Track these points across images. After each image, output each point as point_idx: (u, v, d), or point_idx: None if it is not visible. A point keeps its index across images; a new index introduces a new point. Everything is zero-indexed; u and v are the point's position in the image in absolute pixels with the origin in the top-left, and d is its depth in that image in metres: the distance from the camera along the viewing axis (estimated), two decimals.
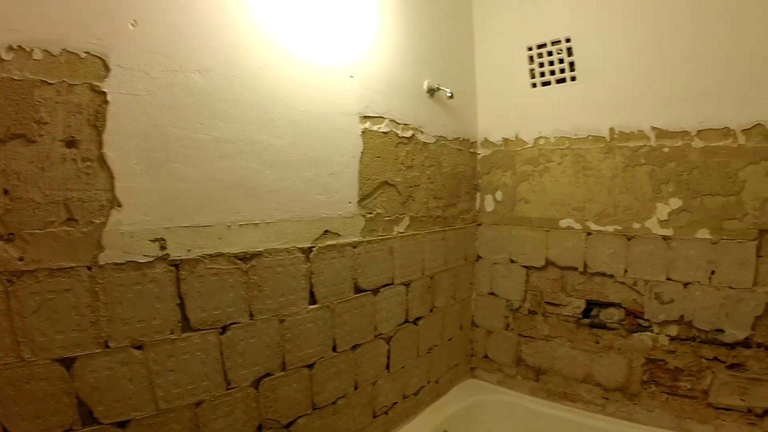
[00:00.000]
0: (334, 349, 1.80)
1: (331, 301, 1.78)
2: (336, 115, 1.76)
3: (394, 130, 2.09)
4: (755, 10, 2.12)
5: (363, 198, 1.92)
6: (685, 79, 2.19)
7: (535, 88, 2.45)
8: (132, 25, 1.16)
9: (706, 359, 2.22)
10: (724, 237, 2.13)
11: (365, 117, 1.94)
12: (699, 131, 2.15)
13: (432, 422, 2.22)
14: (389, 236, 2.06)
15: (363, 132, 1.92)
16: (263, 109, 1.49)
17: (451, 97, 2.28)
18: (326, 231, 1.78)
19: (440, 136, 2.39)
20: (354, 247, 1.88)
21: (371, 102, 1.97)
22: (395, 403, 2.15)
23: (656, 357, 2.29)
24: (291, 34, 1.53)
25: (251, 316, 1.49)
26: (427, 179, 2.30)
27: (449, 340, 2.53)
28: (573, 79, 2.35)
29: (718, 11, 2.16)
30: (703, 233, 2.14)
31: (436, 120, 2.37)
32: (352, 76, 1.87)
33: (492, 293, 2.59)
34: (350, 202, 1.88)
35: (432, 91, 2.28)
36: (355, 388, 1.90)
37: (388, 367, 2.08)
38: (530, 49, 2.38)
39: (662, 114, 2.20)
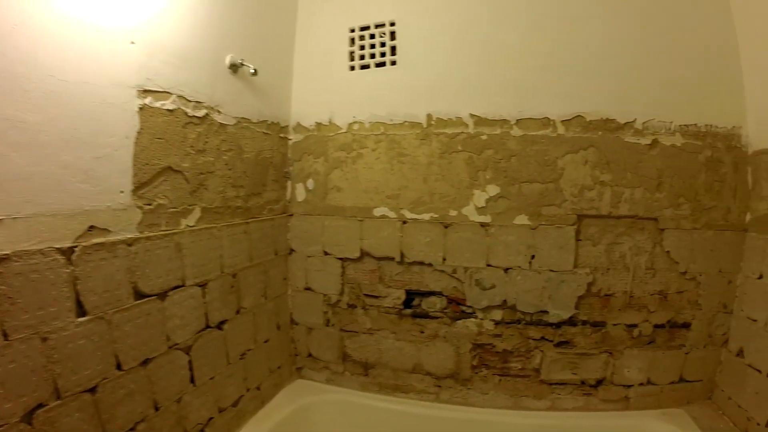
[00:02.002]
0: (118, 367, 1.67)
1: (105, 311, 1.64)
2: (108, 87, 1.59)
3: (183, 108, 1.89)
4: (581, 4, 2.29)
5: (139, 186, 1.74)
6: (506, 69, 2.30)
7: (353, 72, 2.46)
8: None
9: (534, 339, 2.42)
10: (543, 223, 2.31)
11: (146, 91, 1.76)
12: (518, 120, 2.29)
13: None
14: (175, 231, 1.91)
15: (141, 108, 1.73)
16: (14, 76, 1.28)
17: (255, 73, 2.14)
18: (92, 227, 1.60)
19: (243, 118, 2.26)
20: (129, 245, 1.72)
21: (156, 74, 1.79)
22: (211, 418, 2.10)
23: (483, 342, 2.44)
24: None
25: (5, 336, 1.31)
26: (224, 165, 2.17)
27: (265, 341, 2.45)
28: (393, 63, 2.40)
29: (543, 4, 2.29)
30: (522, 219, 2.31)
31: (239, 99, 2.23)
32: (133, 42, 1.67)
33: (308, 288, 2.57)
34: (122, 192, 1.70)
35: (235, 67, 2.12)
36: (156, 408, 1.78)
37: (193, 381, 1.98)
38: (353, 30, 2.46)
39: (482, 102, 2.31)
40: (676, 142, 2.40)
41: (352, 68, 2.38)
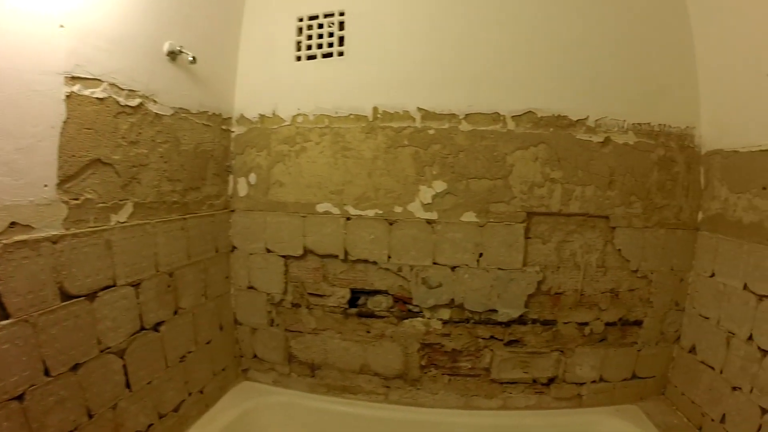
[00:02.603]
0: (46, 373, 1.59)
1: (29, 314, 1.56)
2: (34, 74, 1.49)
3: (115, 96, 1.81)
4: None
5: (65, 180, 1.66)
6: (457, 63, 2.27)
7: (299, 62, 2.41)
8: None
9: (483, 339, 2.41)
10: (492, 220, 2.29)
11: (74, 78, 1.69)
12: (468, 115, 2.26)
13: None
14: (105, 227, 1.85)
15: (68, 96, 1.65)
16: None
17: (193, 61, 2.07)
18: (13, 223, 1.54)
19: (181, 108, 2.20)
20: (54, 243, 1.66)
21: (87, 60, 1.73)
22: (151, 425, 2.03)
23: (432, 341, 2.43)
24: None
25: None
26: (159, 158, 2.10)
27: (207, 343, 2.37)
28: (341, 54, 2.36)
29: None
30: (470, 216, 2.29)
31: (177, 89, 2.16)
32: (62, 26, 1.58)
33: (251, 287, 2.52)
34: (46, 186, 1.64)
35: (174, 55, 2.05)
36: (90, 416, 1.72)
37: (128, 386, 1.92)
38: (301, 20, 2.40)
39: (430, 95, 2.27)
40: (628, 141, 2.41)
41: (299, 59, 2.34)
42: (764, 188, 2.05)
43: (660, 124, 2.44)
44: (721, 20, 2.31)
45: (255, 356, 2.62)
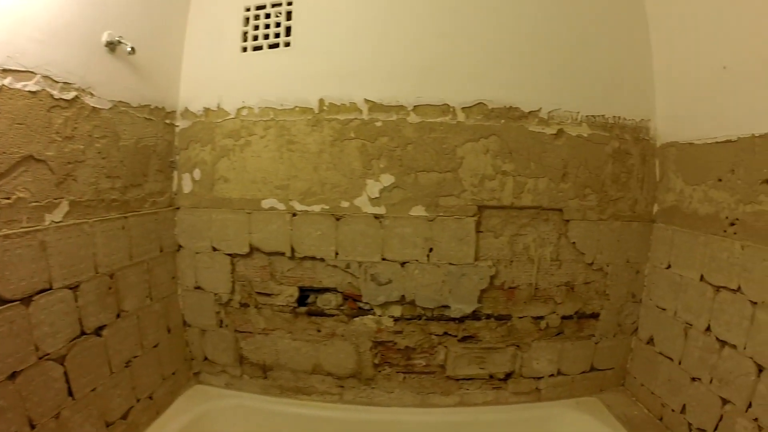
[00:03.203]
0: None
1: None
2: None
3: (49, 89, 1.74)
4: None
5: None
6: (406, 53, 2.24)
7: (245, 53, 2.37)
8: None
9: (437, 335, 2.40)
10: (441, 214, 2.27)
11: (5, 71, 1.64)
12: (416, 106, 2.23)
13: None
14: (39, 227, 1.79)
15: None
16: None
17: (132, 52, 2.02)
18: None
19: (120, 102, 2.14)
20: None
21: (18, 51, 1.66)
22: None
23: (384, 339, 2.40)
24: None
25: None
26: (96, 154, 2.05)
27: (155, 346, 2.31)
28: (287, 45, 2.31)
29: None
30: (419, 210, 2.27)
31: (117, 82, 2.11)
32: None
33: (199, 287, 2.46)
34: None
35: (113, 45, 2.00)
36: (32, 426, 1.68)
37: (71, 393, 1.87)
38: (248, 9, 2.35)
39: (378, 87, 2.24)
40: (582, 133, 2.42)
41: (245, 49, 2.30)
42: (720, 180, 2.08)
43: (615, 117, 2.45)
44: (677, 12, 2.32)
45: (206, 359, 2.56)
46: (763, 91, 1.82)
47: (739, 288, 1.94)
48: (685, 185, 2.32)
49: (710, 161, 2.14)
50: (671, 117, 2.45)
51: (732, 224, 2.01)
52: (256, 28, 2.30)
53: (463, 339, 2.36)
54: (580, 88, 2.42)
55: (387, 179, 2.24)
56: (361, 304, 2.33)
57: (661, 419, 2.38)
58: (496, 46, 2.33)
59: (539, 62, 2.36)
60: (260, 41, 2.32)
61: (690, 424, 2.15)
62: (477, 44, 2.31)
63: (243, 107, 2.33)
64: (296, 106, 2.28)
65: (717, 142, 2.09)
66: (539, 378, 2.54)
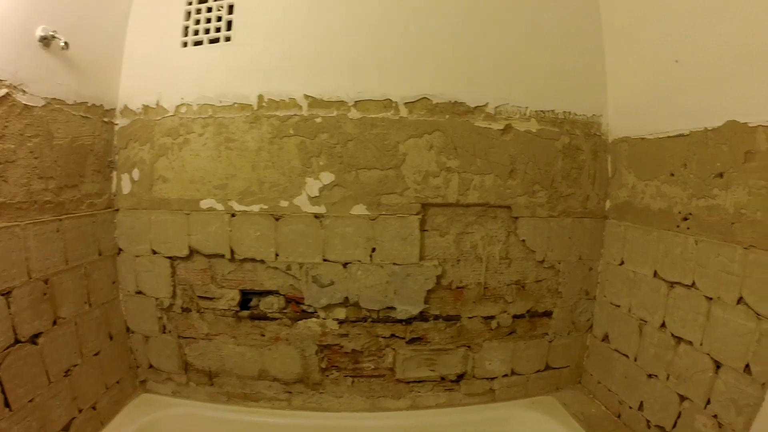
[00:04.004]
0: None
1: None
2: None
3: None
4: None
5: None
6: (347, 47, 2.15)
7: (185, 48, 2.27)
8: None
9: (384, 338, 2.30)
10: (384, 212, 2.19)
11: None
12: (357, 102, 2.14)
13: None
14: None
15: None
16: None
17: (65, 47, 1.92)
18: None
19: (55, 99, 2.03)
20: None
21: None
22: None
23: (329, 342, 2.31)
24: None
25: None
26: (28, 153, 1.93)
27: (96, 354, 2.27)
28: (228, 39, 2.22)
29: None
30: (360, 209, 2.18)
31: (51, 78, 2.00)
32: None
33: (140, 292, 2.33)
34: None
35: (47, 40, 1.89)
36: None
37: (8, 405, 1.77)
38: (190, 3, 2.26)
39: (318, 82, 2.15)
40: (531, 128, 2.35)
41: (185, 44, 2.20)
42: (672, 174, 2.03)
43: (565, 112, 2.39)
44: (630, 6, 2.28)
45: (151, 366, 2.43)
46: (716, 85, 1.78)
47: (693, 284, 1.90)
48: (638, 181, 2.26)
49: (662, 156, 2.09)
50: (623, 112, 2.40)
51: (685, 219, 1.97)
52: (198, 22, 2.23)
53: (412, 341, 2.27)
54: (530, 83, 2.35)
55: (327, 177, 2.15)
56: (304, 307, 2.22)
57: (619, 416, 2.33)
58: (441, 39, 2.25)
59: (486, 56, 2.29)
60: (201, 36, 2.25)
61: (648, 422, 2.10)
62: (421, 38, 2.23)
63: (182, 104, 2.22)
64: (235, 103, 2.17)
65: (669, 137, 2.04)
66: (493, 378, 2.45)
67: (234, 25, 2.24)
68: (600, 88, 2.48)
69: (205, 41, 2.26)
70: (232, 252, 2.27)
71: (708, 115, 1.82)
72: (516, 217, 2.35)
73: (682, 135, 1.97)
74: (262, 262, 2.26)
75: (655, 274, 2.14)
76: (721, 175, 1.77)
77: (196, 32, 2.27)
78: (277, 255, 2.25)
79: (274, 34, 2.24)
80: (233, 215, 2.26)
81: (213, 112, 2.23)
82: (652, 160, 2.18)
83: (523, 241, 2.35)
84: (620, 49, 2.38)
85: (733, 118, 1.70)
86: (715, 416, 1.75)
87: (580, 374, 2.66)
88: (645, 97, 2.26)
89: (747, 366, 1.61)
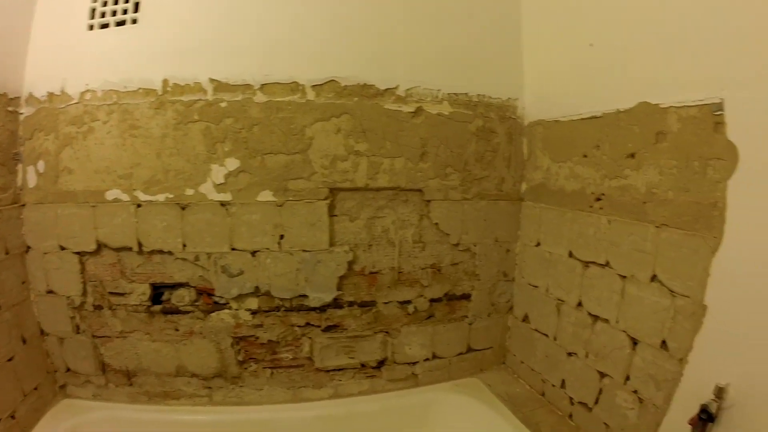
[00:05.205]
0: None
1: None
2: None
3: None
4: None
5: None
6: (252, 29, 2.07)
7: (91, 31, 2.13)
8: None
9: (299, 327, 2.24)
10: (291, 198, 2.12)
11: None
12: (263, 85, 2.06)
13: None
14: None
15: None
16: None
17: None
18: None
19: None
20: None
21: None
22: None
23: (244, 334, 2.23)
24: None
25: None
26: None
27: (9, 360, 2.10)
28: (134, 21, 2.10)
29: None
30: (266, 195, 2.11)
31: None
32: None
33: (51, 291, 2.18)
34: None
35: None
36: None
37: None
38: None
39: (224, 65, 2.06)
40: (443, 111, 2.32)
41: (91, 27, 2.05)
42: (585, 156, 2.03)
43: (479, 95, 2.37)
44: None
45: (69, 369, 2.34)
46: (628, 67, 1.79)
47: (607, 263, 1.90)
48: (552, 163, 2.27)
49: (576, 138, 2.09)
50: (539, 95, 2.40)
51: (598, 199, 1.97)
52: (105, 3, 2.05)
53: (328, 329, 2.21)
54: (443, 66, 2.32)
55: (232, 163, 2.05)
56: (215, 299, 2.14)
57: (543, 395, 2.34)
58: (350, 20, 2.18)
59: (397, 37, 2.24)
60: (108, 18, 2.10)
61: (571, 399, 2.12)
62: (329, 19, 2.15)
63: (87, 90, 2.07)
64: (140, 88, 2.04)
65: (583, 119, 2.04)
66: (414, 363, 2.41)
67: (141, 7, 2.10)
68: (516, 72, 2.47)
69: (112, 24, 2.12)
70: (140, 244, 2.16)
71: (621, 97, 1.82)
72: (428, 201, 2.32)
73: (595, 117, 1.97)
74: (171, 253, 2.16)
75: (570, 254, 2.14)
76: (632, 156, 1.78)
77: (103, 14, 2.12)
78: (184, 246, 2.15)
79: (180, 16, 2.11)
80: (139, 206, 2.14)
81: (118, 98, 2.10)
82: (566, 142, 2.18)
83: (437, 224, 2.31)
84: (538, 33, 2.38)
85: (645, 100, 1.70)
86: (635, 392, 1.76)
87: (503, 355, 2.65)
88: (561, 80, 2.26)
89: (663, 342, 1.63)
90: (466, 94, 2.35)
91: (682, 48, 1.55)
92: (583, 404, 2.05)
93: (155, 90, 2.08)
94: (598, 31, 1.95)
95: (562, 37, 2.20)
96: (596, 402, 1.97)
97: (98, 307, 2.23)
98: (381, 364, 2.40)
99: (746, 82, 1.34)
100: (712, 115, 1.44)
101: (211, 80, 2.08)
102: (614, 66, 1.87)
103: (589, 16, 1.99)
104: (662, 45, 1.63)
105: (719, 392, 1.38)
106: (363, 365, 2.38)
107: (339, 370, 2.37)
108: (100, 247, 2.17)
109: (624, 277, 1.82)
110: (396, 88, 2.24)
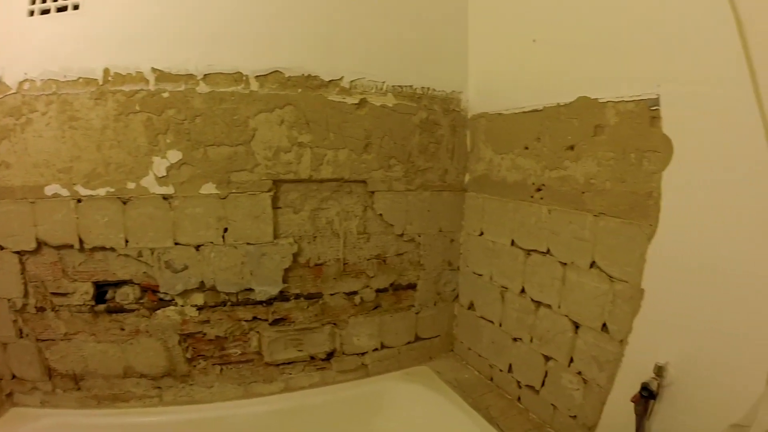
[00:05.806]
0: None
1: None
2: None
3: None
4: None
5: None
6: (197, 16, 2.02)
7: (32, 18, 2.03)
8: None
9: (246, 321, 2.21)
10: (234, 191, 2.09)
11: None
12: (206, 75, 2.02)
13: None
14: None
15: None
16: None
17: None
18: None
19: None
20: None
21: None
22: None
23: (191, 331, 2.18)
24: None
25: None
26: None
27: None
28: (76, 7, 2.00)
29: None
30: (209, 188, 2.07)
31: None
32: None
33: None
34: None
35: None
36: None
37: None
38: None
39: (167, 54, 2.01)
40: (387, 103, 2.34)
41: (32, 13, 1.93)
42: (526, 148, 2.09)
43: (424, 88, 2.41)
44: None
45: (14, 377, 2.22)
46: (569, 63, 1.85)
47: (548, 251, 1.96)
48: (495, 154, 2.32)
49: (518, 130, 2.15)
50: (483, 89, 2.46)
51: (539, 190, 2.03)
52: None
53: (275, 322, 2.18)
54: (388, 58, 2.34)
55: (174, 156, 1.99)
56: (160, 295, 2.06)
57: (491, 380, 2.40)
58: (295, 10, 2.16)
59: (342, 29, 2.24)
60: (49, 3, 1.99)
61: (519, 382, 2.18)
62: (273, 8, 2.12)
63: (25, 80, 1.99)
64: (80, 77, 1.93)
65: (524, 112, 2.10)
66: (363, 354, 2.43)
67: None
68: (461, 65, 2.52)
69: (53, 9, 2.00)
70: (81, 241, 2.07)
71: (561, 91, 1.88)
72: (372, 192, 2.33)
73: (536, 110, 2.03)
74: (113, 250, 2.08)
75: (513, 242, 2.20)
76: (572, 148, 1.84)
77: (44, 0, 1.99)
78: (127, 241, 2.08)
79: (123, 2, 2.03)
80: (79, 201, 2.05)
81: (57, 88, 2.00)
82: (508, 134, 2.24)
83: (381, 215, 2.34)
84: (483, 28, 2.43)
85: (585, 94, 1.77)
86: (579, 373, 1.83)
87: (451, 342, 2.70)
88: (504, 74, 2.32)
89: (604, 325, 1.70)
90: (410, 86, 2.38)
91: (621, 45, 1.62)
92: (531, 387, 2.11)
93: (96, 80, 2.00)
94: (541, 27, 2.01)
95: (506, 33, 2.26)
96: (543, 384, 2.04)
97: (41, 309, 2.12)
98: (330, 355, 2.40)
99: (681, 78, 1.42)
100: (649, 110, 1.50)
101: (153, 69, 2.02)
102: (556, 61, 1.94)
103: (533, 13, 2.06)
104: (602, 42, 1.70)
105: (659, 371, 1.45)
106: (312, 358, 2.37)
107: (289, 363, 2.36)
108: (41, 245, 2.07)
109: (565, 264, 1.88)
110: (340, 79, 2.24)
